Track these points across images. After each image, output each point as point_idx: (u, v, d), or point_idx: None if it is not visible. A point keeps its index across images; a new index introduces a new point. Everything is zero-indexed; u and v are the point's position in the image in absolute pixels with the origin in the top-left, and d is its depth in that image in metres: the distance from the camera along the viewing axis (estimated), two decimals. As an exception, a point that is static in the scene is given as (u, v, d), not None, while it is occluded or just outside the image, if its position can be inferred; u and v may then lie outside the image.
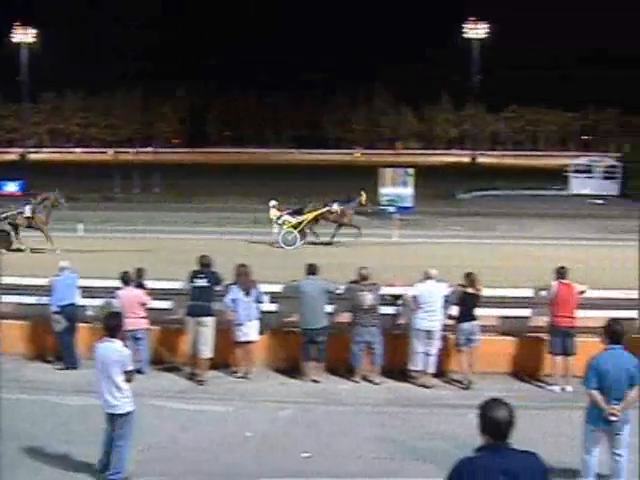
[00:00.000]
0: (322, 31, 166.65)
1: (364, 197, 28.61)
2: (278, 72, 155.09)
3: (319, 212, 27.92)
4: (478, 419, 4.99)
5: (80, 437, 9.84)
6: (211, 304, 12.76)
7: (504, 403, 4.99)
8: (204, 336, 12.57)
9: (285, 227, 27.33)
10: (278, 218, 27.66)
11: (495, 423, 4.91)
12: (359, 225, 28.16)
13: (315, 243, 27.43)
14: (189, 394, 12.17)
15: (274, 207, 27.97)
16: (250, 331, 12.79)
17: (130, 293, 12.75)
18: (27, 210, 25.47)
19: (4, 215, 25.45)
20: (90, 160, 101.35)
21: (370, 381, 12.76)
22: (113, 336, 8.81)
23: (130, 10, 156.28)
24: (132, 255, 22.23)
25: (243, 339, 12.79)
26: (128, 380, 8.77)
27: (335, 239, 27.84)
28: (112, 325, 8.92)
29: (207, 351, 12.60)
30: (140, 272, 13.44)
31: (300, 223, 27.39)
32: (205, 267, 12.93)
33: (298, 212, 27.94)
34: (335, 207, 27.97)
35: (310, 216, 27.70)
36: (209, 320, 12.62)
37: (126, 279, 12.87)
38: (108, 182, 49.74)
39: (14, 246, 25.17)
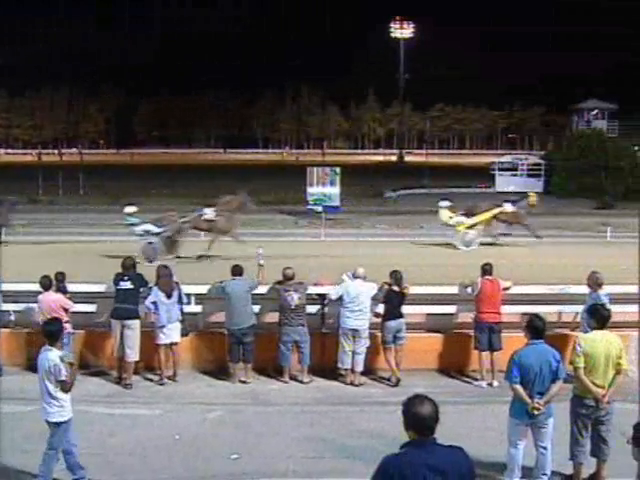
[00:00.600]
0: (248, 31, 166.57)
1: (533, 197, 28.44)
2: (205, 73, 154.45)
3: (494, 213, 27.61)
4: (402, 416, 5.02)
5: (11, 445, 9.51)
6: (136, 307, 12.58)
7: (428, 399, 5.03)
8: (130, 339, 12.40)
9: (460, 228, 26.90)
10: (450, 218, 27.28)
11: (420, 419, 4.95)
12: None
13: (486, 244, 26.90)
14: (116, 398, 12.00)
15: (446, 208, 27.59)
16: (172, 333, 12.65)
17: (50, 297, 12.44)
18: (209, 213, 23.48)
19: (185, 219, 23.40)
20: (13, 161, 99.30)
21: (299, 380, 12.73)
22: (52, 343, 8.51)
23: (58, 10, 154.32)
24: (56, 258, 21.79)
25: (165, 341, 12.65)
26: (63, 389, 8.44)
27: (509, 239, 27.70)
28: (50, 332, 8.63)
29: (133, 354, 12.44)
30: (60, 276, 13.12)
31: (476, 224, 27.10)
32: (129, 269, 12.76)
33: (471, 213, 27.50)
34: (508, 208, 27.70)
35: (485, 216, 27.41)
36: (135, 323, 12.46)
37: (45, 283, 12.58)
38: (32, 184, 48.71)
39: (179, 254, 22.62)
